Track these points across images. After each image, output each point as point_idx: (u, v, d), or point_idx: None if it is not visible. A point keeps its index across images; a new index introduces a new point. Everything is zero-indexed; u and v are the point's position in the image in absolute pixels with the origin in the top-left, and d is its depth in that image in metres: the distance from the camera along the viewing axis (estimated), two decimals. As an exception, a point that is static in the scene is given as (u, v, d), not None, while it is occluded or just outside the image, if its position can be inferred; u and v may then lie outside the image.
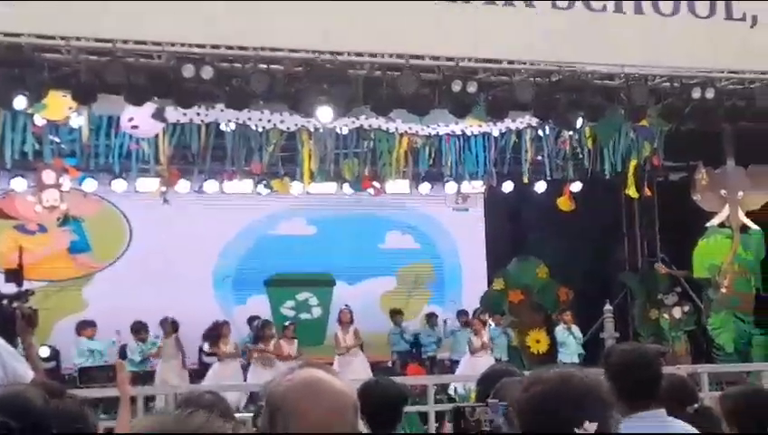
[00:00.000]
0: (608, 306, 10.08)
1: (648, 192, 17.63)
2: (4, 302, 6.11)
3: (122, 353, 16.23)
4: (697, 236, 17.51)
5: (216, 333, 16.41)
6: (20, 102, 11.04)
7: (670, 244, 19.39)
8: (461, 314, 18.70)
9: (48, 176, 15.11)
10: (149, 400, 12.31)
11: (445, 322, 18.77)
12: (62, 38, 10.87)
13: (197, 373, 16.66)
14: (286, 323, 17.60)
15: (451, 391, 15.10)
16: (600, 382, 2.95)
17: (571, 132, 15.67)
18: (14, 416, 3.31)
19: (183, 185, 17.13)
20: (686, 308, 18.43)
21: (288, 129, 14.95)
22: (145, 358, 16.23)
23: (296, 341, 17.00)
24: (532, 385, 2.86)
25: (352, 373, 14.51)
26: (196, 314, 18.23)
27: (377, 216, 20.11)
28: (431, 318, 18.97)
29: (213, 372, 16.24)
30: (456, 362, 17.76)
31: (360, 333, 17.02)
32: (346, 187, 17.98)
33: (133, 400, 9.13)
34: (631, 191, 17.16)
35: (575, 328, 17.67)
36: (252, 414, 5.40)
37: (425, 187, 18.65)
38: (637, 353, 4.53)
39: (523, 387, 2.89)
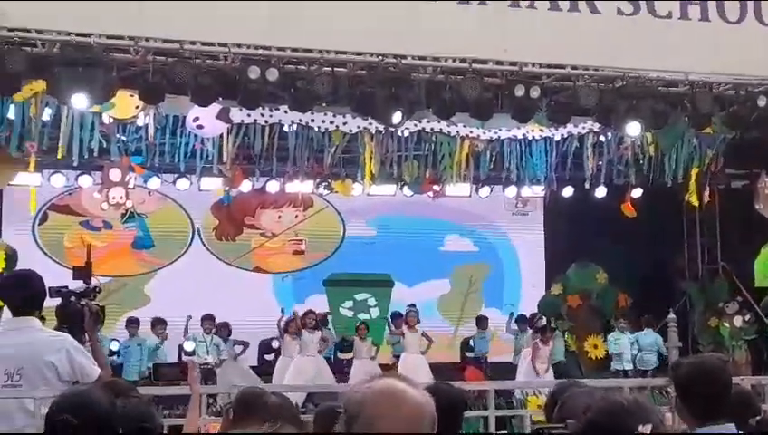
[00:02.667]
0: (671, 315, 10.04)
1: (709, 200, 17.47)
2: (73, 299, 6.24)
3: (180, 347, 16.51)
4: (759, 245, 17.32)
5: (285, 329, 16.67)
6: (86, 101, 11.18)
7: (731, 252, 19.20)
8: (521, 319, 18.67)
9: (115, 174, 15.34)
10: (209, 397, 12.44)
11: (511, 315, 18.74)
12: (131, 38, 11.04)
13: (257, 371, 16.83)
14: (357, 324, 17.82)
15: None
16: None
17: (633, 138, 15.56)
18: (78, 414, 3.38)
19: (245, 185, 17.30)
20: (747, 317, 18.25)
21: (350, 131, 15.03)
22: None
23: (370, 340, 17.22)
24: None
25: (414, 376, 14.56)
26: (256, 312, 18.46)
27: (436, 218, 20.14)
28: (482, 322, 18.96)
29: (278, 370, 16.46)
30: (512, 365, 17.81)
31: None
32: (406, 189, 18.04)
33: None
34: (693, 199, 17.03)
35: (634, 335, 17.59)
36: (313, 415, 5.43)
37: (485, 190, 18.64)
38: (706, 367, 4.47)
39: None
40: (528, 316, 18.43)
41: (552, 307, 19.22)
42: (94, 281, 6.70)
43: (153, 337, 16.57)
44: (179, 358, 16.46)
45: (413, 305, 17.86)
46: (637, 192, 17.86)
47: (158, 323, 16.63)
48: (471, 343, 18.82)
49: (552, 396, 4.34)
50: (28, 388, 5.71)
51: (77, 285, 6.60)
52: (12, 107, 12.73)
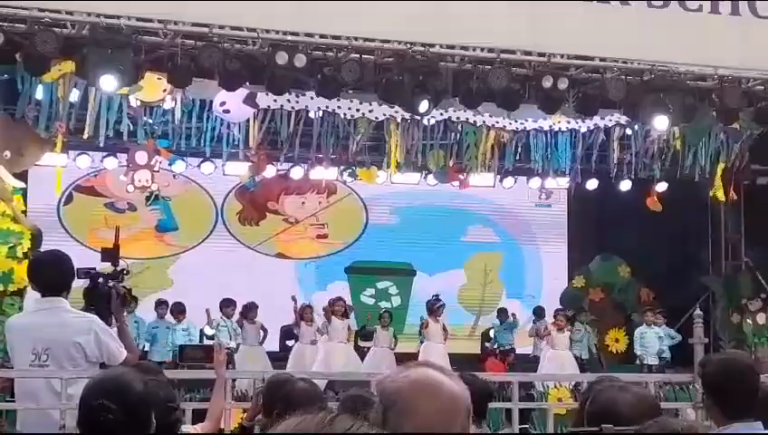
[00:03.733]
0: (698, 311, 10.03)
1: (734, 195, 17.39)
2: (101, 280, 6.26)
3: (201, 331, 16.56)
4: (784, 242, 17.25)
5: (301, 316, 16.71)
6: (114, 83, 11.21)
7: (755, 249, 19.09)
8: (538, 310, 18.64)
9: (141, 156, 15.37)
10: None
11: (513, 315, 18.70)
12: (160, 21, 11.07)
13: (278, 357, 16.86)
14: (381, 312, 17.85)
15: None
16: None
17: (660, 132, 15.48)
18: (113, 398, 3.40)
19: (269, 170, 17.31)
20: (771, 314, 18.17)
21: (376, 118, 15.02)
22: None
23: (392, 329, 17.25)
24: None
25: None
26: (278, 298, 18.47)
27: (459, 208, 20.12)
28: (501, 313, 18.94)
29: (293, 355, 16.51)
30: (534, 358, 17.79)
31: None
32: (430, 178, 18.01)
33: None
34: (719, 194, 16.94)
35: (660, 329, 17.53)
36: (336, 401, 5.44)
37: (509, 181, 18.59)
38: (734, 365, 4.46)
39: None
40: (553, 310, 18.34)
41: (574, 300, 19.18)
42: (122, 263, 6.69)
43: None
44: (201, 341, 16.51)
45: (437, 297, 17.79)
46: (662, 186, 17.77)
47: (177, 308, 16.69)
48: (491, 334, 18.78)
49: (587, 391, 4.31)
50: (55, 368, 5.74)
51: (104, 266, 6.62)
52: (40, 87, 12.77)
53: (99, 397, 3.36)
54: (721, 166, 16.46)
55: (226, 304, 16.58)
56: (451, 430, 2.60)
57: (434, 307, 17.26)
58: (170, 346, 16.18)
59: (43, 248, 12.56)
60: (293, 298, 17.25)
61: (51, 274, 5.90)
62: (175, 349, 15.83)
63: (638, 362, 17.55)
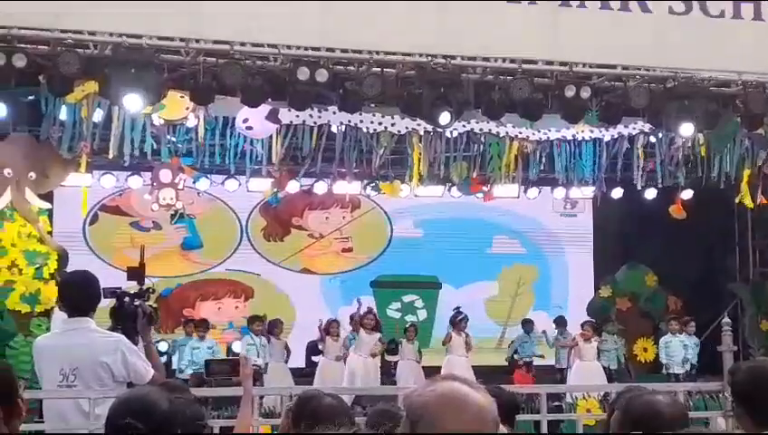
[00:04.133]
0: (726, 319, 9.98)
1: (764, 200, 17.26)
2: (127, 299, 6.27)
3: (230, 350, 16.54)
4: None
5: (327, 331, 16.72)
6: (137, 102, 11.24)
7: (784, 254, 19.00)
8: (559, 320, 18.53)
9: (165, 175, 15.43)
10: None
11: (544, 332, 18.61)
12: (182, 40, 11.10)
13: (304, 373, 16.86)
14: (407, 326, 17.82)
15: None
16: None
17: (684, 139, 15.40)
18: (140, 417, 3.38)
19: (293, 185, 17.34)
20: (800, 321, 18.05)
21: (399, 132, 15.00)
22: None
23: (417, 343, 17.22)
24: None
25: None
26: (304, 312, 18.53)
27: (484, 219, 20.09)
28: (527, 324, 18.86)
29: (319, 370, 16.51)
30: (561, 370, 17.72)
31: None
32: (454, 190, 17.99)
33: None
34: (746, 200, 16.82)
35: (686, 337, 17.40)
36: (364, 417, 5.43)
37: (533, 191, 18.53)
38: (764, 372, 4.40)
39: None
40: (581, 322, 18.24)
41: (602, 310, 19.09)
42: (147, 282, 6.71)
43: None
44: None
45: (459, 310, 17.71)
46: (687, 194, 17.70)
47: (201, 324, 16.70)
48: (516, 345, 18.71)
49: (615, 401, 4.28)
50: (83, 388, 5.75)
51: (130, 285, 6.63)
52: (64, 108, 12.83)
53: (125, 416, 3.34)
54: (747, 172, 16.34)
55: (253, 321, 16.59)
56: None
57: (456, 320, 17.21)
58: (190, 363, 16.10)
59: (70, 269, 12.59)
60: (320, 320, 17.28)
61: (79, 294, 5.92)
62: (197, 367, 15.75)
63: (663, 371, 17.42)
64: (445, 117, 12.03)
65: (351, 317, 17.14)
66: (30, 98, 13.04)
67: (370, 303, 19.21)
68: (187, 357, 16.06)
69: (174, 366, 16.02)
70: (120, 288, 6.37)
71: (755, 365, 4.69)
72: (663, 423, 3.43)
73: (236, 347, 16.60)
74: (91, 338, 5.80)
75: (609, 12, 11.98)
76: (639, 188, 17.13)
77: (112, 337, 5.90)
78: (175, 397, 3.67)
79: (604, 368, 17.15)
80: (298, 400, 4.74)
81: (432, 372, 16.21)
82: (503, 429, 2.93)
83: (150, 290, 6.50)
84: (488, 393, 2.70)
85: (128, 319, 6.13)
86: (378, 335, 16.84)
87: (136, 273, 6.94)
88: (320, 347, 17.09)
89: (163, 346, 16.07)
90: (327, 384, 14.85)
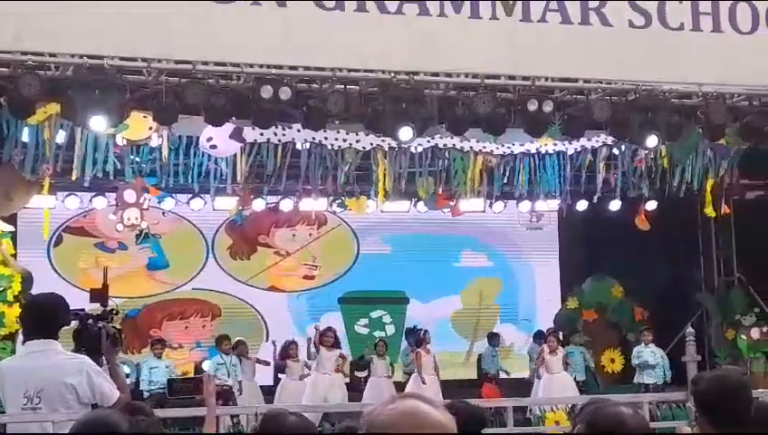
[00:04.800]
0: (690, 329, 10.05)
1: (727, 210, 17.41)
2: (90, 322, 6.24)
3: (200, 370, 16.44)
4: (776, 256, 17.24)
5: (286, 353, 16.71)
6: (100, 123, 11.20)
7: (748, 264, 19.11)
8: (538, 335, 18.58)
9: (129, 195, 15.38)
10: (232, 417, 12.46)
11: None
12: (144, 60, 11.07)
13: (271, 390, 16.82)
14: (376, 341, 17.81)
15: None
16: None
17: (646, 151, 15.52)
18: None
19: (258, 203, 17.32)
20: (765, 329, 18.16)
21: (363, 148, 15.03)
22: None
23: (388, 358, 17.18)
24: None
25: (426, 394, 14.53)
26: (272, 330, 18.50)
27: (451, 234, 20.13)
28: (493, 338, 18.90)
29: (279, 389, 16.50)
30: (527, 382, 17.76)
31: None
32: (420, 205, 18.03)
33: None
34: (709, 210, 16.97)
35: (656, 348, 17.50)
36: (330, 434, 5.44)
37: (499, 205, 18.59)
38: (728, 382, 4.43)
39: None
40: (546, 330, 18.32)
41: (568, 321, 19.19)
42: (111, 303, 6.68)
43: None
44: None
45: (416, 328, 17.75)
46: (651, 205, 17.81)
47: (157, 343, 16.61)
48: (483, 359, 18.73)
49: (579, 413, 4.30)
50: (48, 410, 5.71)
51: (93, 307, 6.60)
52: (26, 130, 12.76)
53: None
54: (710, 182, 16.48)
55: (221, 341, 16.54)
56: None
57: (422, 338, 17.20)
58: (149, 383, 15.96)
59: (35, 291, 12.51)
60: (273, 343, 17.27)
61: (45, 317, 5.89)
62: (156, 386, 15.62)
63: (635, 380, 17.50)
64: (406, 132, 12.06)
65: (310, 341, 17.05)
66: (-9, 120, 12.97)
67: (338, 319, 19.22)
68: (146, 376, 15.94)
69: (141, 387, 15.91)
70: (82, 310, 6.33)
71: (717, 375, 4.73)
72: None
73: (206, 366, 16.52)
74: (56, 360, 5.76)
75: (570, 26, 12.03)
76: (603, 200, 17.24)
77: (77, 358, 5.87)
78: (140, 418, 3.68)
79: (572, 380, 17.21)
80: (263, 418, 4.74)
81: (402, 387, 16.26)
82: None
83: (114, 311, 6.47)
84: (448, 411, 2.70)
85: (91, 341, 6.09)
86: (338, 351, 16.79)
87: (99, 295, 6.91)
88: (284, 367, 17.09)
89: (127, 369, 15.95)
90: (287, 403, 14.85)
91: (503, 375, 18.49)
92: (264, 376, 17.43)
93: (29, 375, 5.74)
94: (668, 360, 17.25)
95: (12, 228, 14.43)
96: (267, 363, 17.21)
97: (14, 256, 14.44)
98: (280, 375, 17.42)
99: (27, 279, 13.90)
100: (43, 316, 5.93)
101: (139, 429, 3.65)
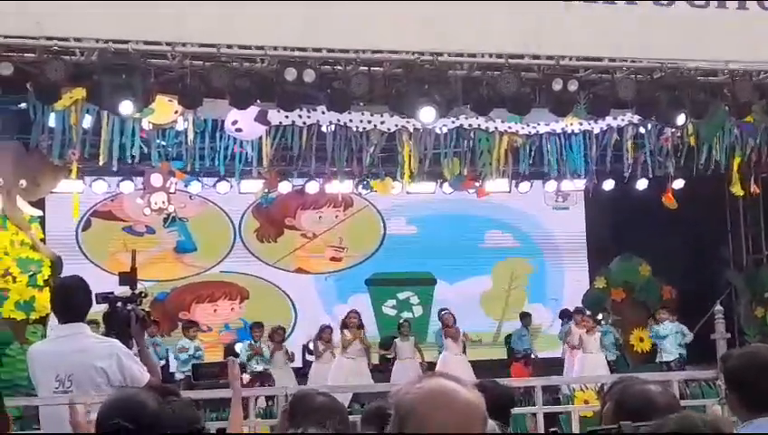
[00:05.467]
0: (718, 307, 10.02)
1: (756, 189, 17.30)
2: (119, 304, 6.28)
3: (232, 353, 16.52)
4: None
5: (320, 337, 16.72)
6: (126, 107, 11.24)
7: (777, 240, 19.04)
8: (564, 314, 18.54)
9: (156, 179, 15.44)
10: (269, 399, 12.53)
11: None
12: (168, 44, 11.10)
13: (301, 372, 16.88)
14: (401, 322, 17.81)
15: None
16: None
17: (673, 129, 15.43)
18: (129, 417, 3.40)
19: (284, 186, 17.35)
20: (795, 305, 18.10)
21: (388, 129, 15.00)
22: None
23: (413, 339, 17.17)
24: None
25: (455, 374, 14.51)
26: (300, 312, 18.57)
27: (477, 215, 20.13)
28: (524, 318, 18.88)
29: (313, 373, 16.52)
30: (559, 360, 17.73)
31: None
32: (446, 186, 18.01)
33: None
34: (736, 189, 16.87)
35: (677, 326, 17.43)
36: (360, 416, 5.46)
37: (525, 185, 18.55)
38: (755, 358, 4.40)
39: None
40: (572, 310, 18.29)
41: (597, 301, 19.14)
42: (140, 286, 6.72)
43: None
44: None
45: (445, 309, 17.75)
46: (678, 183, 17.73)
47: (191, 326, 16.69)
48: (512, 339, 18.72)
49: (608, 392, 4.30)
50: (79, 394, 5.75)
51: (122, 290, 6.64)
52: (52, 115, 12.83)
53: (114, 417, 3.37)
54: (737, 160, 16.37)
55: (255, 328, 16.57)
56: None
57: (442, 320, 17.19)
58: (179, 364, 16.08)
59: (64, 275, 12.60)
60: (304, 347, 17.47)
61: (71, 300, 5.94)
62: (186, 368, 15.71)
63: (656, 360, 17.48)
64: (428, 113, 12.05)
65: (305, 347, 17.22)
66: (18, 106, 13.05)
67: (365, 301, 19.27)
68: (177, 359, 16.05)
69: (172, 369, 16.03)
70: (111, 293, 6.38)
71: (747, 351, 4.68)
72: (657, 413, 3.44)
73: (238, 348, 16.60)
74: (86, 344, 5.80)
75: (595, 4, 11.99)
76: (630, 179, 17.17)
77: (107, 342, 5.91)
78: (169, 400, 3.70)
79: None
80: (292, 399, 4.78)
81: (430, 368, 16.26)
82: (492, 424, 2.94)
83: (143, 294, 6.51)
84: (476, 389, 2.71)
85: (121, 324, 6.14)
86: (360, 333, 16.73)
87: (128, 278, 6.94)
88: (310, 347, 17.14)
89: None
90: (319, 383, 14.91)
91: (540, 353, 18.46)
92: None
93: (59, 359, 5.79)
94: (687, 334, 17.21)
95: (40, 213, 14.52)
96: (293, 360, 17.19)
97: (43, 240, 14.54)
98: (308, 357, 17.47)
99: (57, 263, 13.99)
100: (65, 299, 5.98)
101: (172, 409, 3.67)
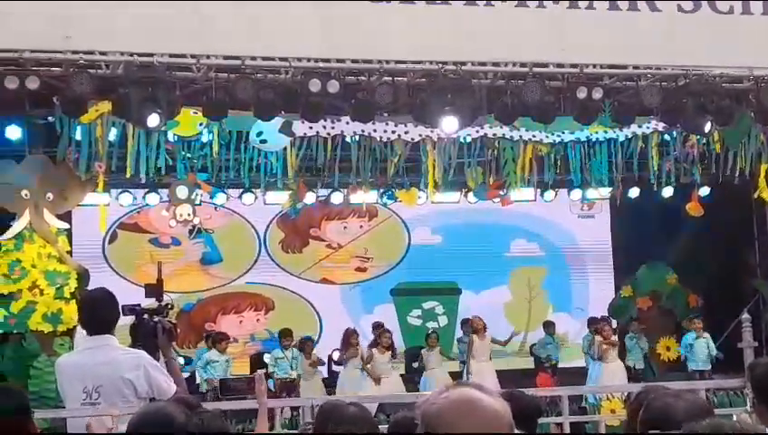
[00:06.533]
0: (746, 315, 9.97)
1: (781, 196, 17.19)
2: (146, 316, 6.32)
3: (261, 363, 16.52)
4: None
5: (347, 342, 16.68)
6: (153, 120, 11.30)
7: (804, 247, 18.90)
8: (591, 322, 18.43)
9: (181, 191, 15.48)
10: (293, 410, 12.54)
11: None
12: (193, 56, 11.17)
13: (328, 383, 16.87)
14: (429, 332, 17.78)
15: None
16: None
17: (698, 136, 15.35)
18: (158, 431, 3.42)
19: (309, 197, 17.39)
20: (822, 314, 17.96)
21: (412, 139, 14.99)
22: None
23: (438, 348, 17.13)
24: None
25: (482, 382, 14.46)
26: (326, 323, 18.58)
27: (501, 224, 20.10)
28: (548, 327, 18.80)
29: (341, 380, 16.49)
30: (584, 370, 17.65)
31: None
32: (470, 196, 17.98)
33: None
34: (764, 195, 16.75)
35: (706, 336, 17.34)
36: (386, 425, 5.46)
37: (549, 194, 18.51)
38: None
39: None
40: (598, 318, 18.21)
41: (623, 310, 19.07)
42: (166, 298, 6.77)
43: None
44: (251, 371, 16.51)
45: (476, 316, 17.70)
46: (704, 190, 17.65)
47: (222, 338, 16.68)
48: (537, 348, 18.65)
49: (636, 400, 4.28)
50: (106, 405, 5.79)
51: (149, 302, 6.68)
52: (79, 128, 12.90)
53: (142, 430, 3.40)
54: (764, 167, 16.27)
55: (284, 337, 16.57)
56: None
57: (473, 325, 17.12)
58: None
59: (91, 287, 12.66)
60: (330, 358, 17.43)
61: (99, 312, 5.97)
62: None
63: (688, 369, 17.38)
64: (450, 123, 12.05)
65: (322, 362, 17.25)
66: (45, 120, 13.13)
67: (390, 311, 19.26)
68: (204, 371, 16.04)
69: (197, 381, 16.05)
70: (138, 305, 6.41)
71: (773, 360, 4.68)
72: (684, 422, 3.43)
73: (267, 359, 16.62)
74: (113, 355, 5.84)
75: (618, 12, 11.97)
76: (656, 186, 17.08)
77: (134, 353, 5.95)
78: (199, 411, 3.72)
79: (629, 368, 17.09)
80: (320, 410, 4.78)
81: (456, 378, 16.22)
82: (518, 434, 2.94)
83: (169, 306, 6.54)
84: (502, 398, 2.71)
85: (147, 335, 6.17)
86: (389, 354, 16.67)
87: (154, 289, 7.02)
88: (335, 357, 17.12)
89: (180, 361, 16.08)
90: (348, 393, 14.88)
91: (563, 363, 18.37)
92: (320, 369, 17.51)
93: (87, 371, 5.82)
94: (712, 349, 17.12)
95: (67, 226, 14.60)
96: (323, 363, 17.21)
97: (70, 253, 14.61)
98: (335, 368, 17.47)
99: (84, 276, 14.06)
100: (92, 311, 6.02)
101: (201, 421, 3.69)
